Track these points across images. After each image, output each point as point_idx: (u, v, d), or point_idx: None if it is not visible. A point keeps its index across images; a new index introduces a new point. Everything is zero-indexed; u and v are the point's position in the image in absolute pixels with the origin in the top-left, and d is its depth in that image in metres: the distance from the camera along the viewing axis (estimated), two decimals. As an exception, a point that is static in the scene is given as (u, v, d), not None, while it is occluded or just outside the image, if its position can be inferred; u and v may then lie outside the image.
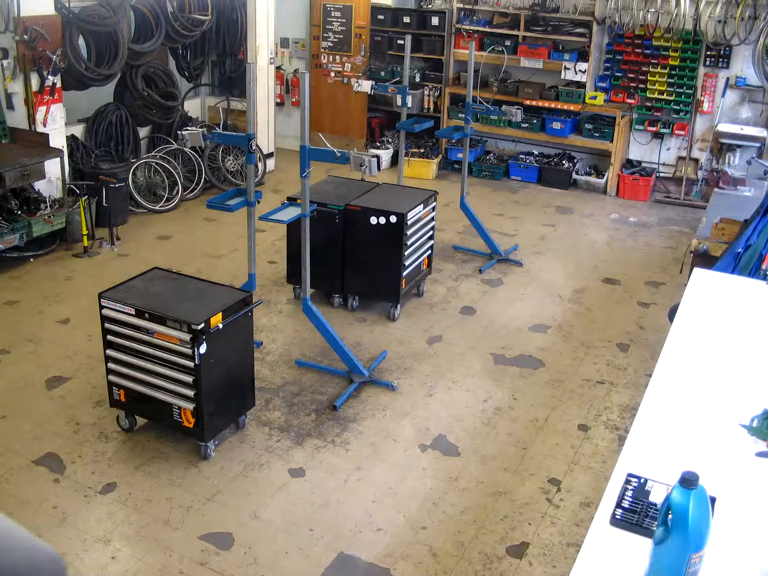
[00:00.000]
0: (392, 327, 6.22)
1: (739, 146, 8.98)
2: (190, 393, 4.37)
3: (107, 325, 4.53)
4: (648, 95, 9.50)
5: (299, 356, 5.69)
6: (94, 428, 4.79)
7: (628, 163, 9.93)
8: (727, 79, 9.10)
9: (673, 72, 9.31)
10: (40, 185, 7.25)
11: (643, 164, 9.90)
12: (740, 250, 4.51)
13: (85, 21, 7.40)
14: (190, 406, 4.39)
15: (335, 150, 4.81)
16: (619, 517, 2.14)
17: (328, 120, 10.58)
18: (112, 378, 4.64)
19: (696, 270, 3.87)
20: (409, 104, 7.68)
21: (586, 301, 6.83)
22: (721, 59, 9.10)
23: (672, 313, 3.54)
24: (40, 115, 7.19)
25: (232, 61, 9.99)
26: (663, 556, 1.86)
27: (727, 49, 9.01)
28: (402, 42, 8.16)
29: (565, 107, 9.70)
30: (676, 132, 9.49)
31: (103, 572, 3.74)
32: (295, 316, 6.29)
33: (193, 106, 9.90)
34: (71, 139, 7.95)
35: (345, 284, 6.38)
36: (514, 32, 9.84)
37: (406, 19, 10.23)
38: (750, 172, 7.56)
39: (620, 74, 9.59)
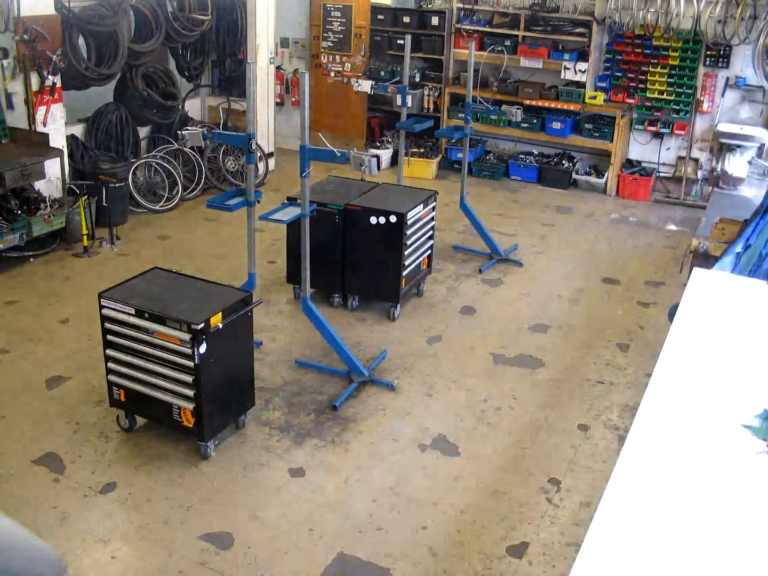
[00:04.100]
0: (392, 327, 6.22)
1: (739, 146, 8.97)
2: (190, 393, 4.37)
3: (107, 325, 4.53)
4: (648, 95, 9.50)
5: (299, 356, 5.68)
6: (94, 428, 4.79)
7: (628, 163, 9.93)
8: (727, 78, 9.10)
9: (673, 72, 9.31)
10: (40, 185, 7.24)
11: (643, 164, 9.89)
12: (740, 250, 4.51)
13: (85, 21, 7.40)
14: (190, 405, 4.39)
15: (335, 150, 4.81)
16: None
17: (328, 120, 10.58)
18: (112, 378, 4.64)
19: (696, 270, 3.86)
20: (409, 104, 7.68)
21: (586, 301, 6.82)
22: (721, 59, 9.10)
23: (672, 313, 3.53)
24: (40, 115, 7.19)
25: (232, 61, 9.99)
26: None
27: (727, 48, 9.01)
28: (402, 42, 8.16)
29: (565, 107, 9.71)
30: (676, 132, 9.49)
31: (103, 572, 3.74)
32: (295, 316, 6.29)
33: (193, 106, 9.89)
34: (71, 139, 7.94)
35: (345, 284, 6.37)
36: (514, 32, 9.84)
37: (406, 19, 10.23)
38: (750, 172, 7.55)
39: (620, 74, 9.59)
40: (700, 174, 9.52)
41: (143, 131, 8.99)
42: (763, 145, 8.76)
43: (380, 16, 10.33)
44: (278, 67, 10.59)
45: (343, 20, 10.33)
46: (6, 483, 4.28)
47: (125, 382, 4.59)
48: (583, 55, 9.59)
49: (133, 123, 8.60)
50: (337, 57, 10.53)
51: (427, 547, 3.95)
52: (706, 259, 5.21)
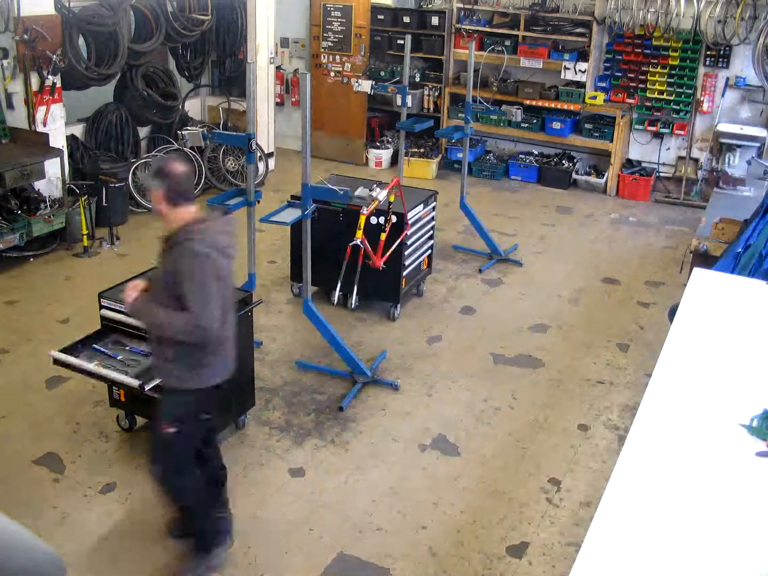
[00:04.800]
0: (392, 327, 6.22)
1: (739, 146, 8.96)
2: (190, 393, 4.37)
3: (107, 325, 4.53)
4: (648, 95, 9.49)
5: (299, 356, 5.68)
6: (94, 428, 4.79)
7: (628, 163, 9.92)
8: (727, 79, 9.10)
9: (673, 72, 9.31)
10: (40, 185, 7.24)
11: (643, 164, 9.89)
12: (740, 250, 4.51)
13: (85, 21, 7.39)
14: (190, 406, 4.38)
15: (337, 188, 4.85)
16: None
17: (328, 120, 10.57)
18: (112, 378, 4.63)
19: (696, 270, 3.86)
20: (409, 104, 7.68)
21: (586, 301, 6.82)
22: (721, 59, 9.09)
23: (672, 313, 3.53)
24: (40, 115, 7.19)
25: (232, 61, 9.99)
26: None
27: (727, 49, 9.01)
28: (402, 42, 8.15)
29: (565, 107, 9.70)
30: (676, 132, 9.49)
31: (103, 572, 3.74)
32: (295, 316, 6.29)
33: (193, 106, 9.89)
34: (71, 139, 7.94)
35: (345, 283, 6.35)
36: (514, 32, 9.83)
37: (406, 19, 10.23)
38: (750, 172, 7.54)
39: (620, 74, 9.59)
40: (700, 174, 9.51)
41: (143, 131, 8.98)
42: (763, 145, 8.76)
43: (380, 16, 10.32)
44: (278, 67, 10.59)
45: (343, 20, 10.32)
46: (6, 483, 4.29)
47: (125, 382, 4.58)
48: (583, 55, 9.58)
49: (133, 123, 8.60)
50: (337, 57, 10.52)
51: (427, 547, 3.95)
52: (707, 259, 5.21)
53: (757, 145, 8.79)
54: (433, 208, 6.66)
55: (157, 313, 3.38)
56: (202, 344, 3.37)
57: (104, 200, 7.62)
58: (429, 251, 6.74)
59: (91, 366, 4.19)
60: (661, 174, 9.82)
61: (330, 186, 4.97)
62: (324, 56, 10.57)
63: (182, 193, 3.48)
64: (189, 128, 6.33)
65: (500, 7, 10.03)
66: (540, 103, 9.83)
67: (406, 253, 6.19)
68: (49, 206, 7.20)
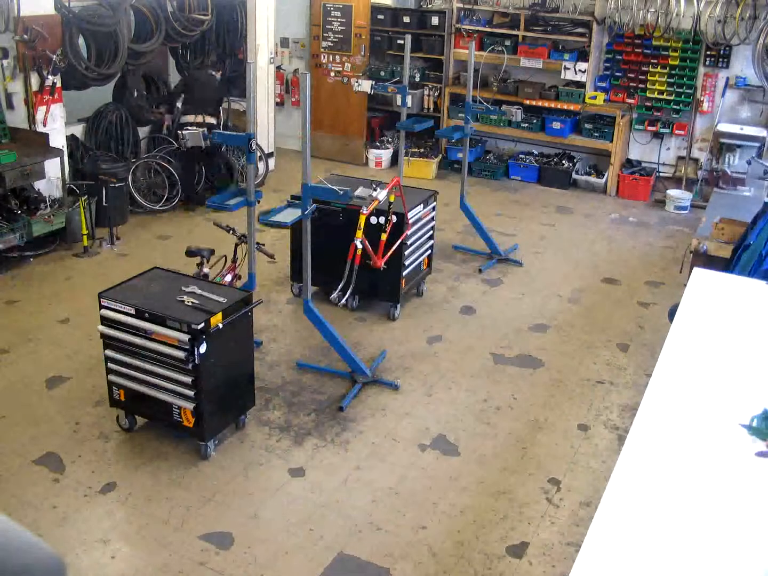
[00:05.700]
0: (392, 327, 6.22)
1: (739, 146, 8.95)
2: (190, 393, 4.37)
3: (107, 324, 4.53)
4: (648, 95, 9.50)
5: (299, 356, 5.68)
6: (94, 428, 4.79)
7: (628, 163, 9.92)
8: (727, 79, 9.10)
9: (673, 72, 9.31)
10: (40, 185, 7.24)
11: (643, 164, 9.89)
12: (761, 250, 4.48)
13: (85, 21, 7.39)
14: (190, 405, 4.39)
15: (337, 188, 4.84)
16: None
17: (328, 120, 10.58)
18: (112, 378, 4.64)
19: (696, 270, 3.86)
20: (409, 104, 7.68)
21: (586, 301, 6.82)
22: (721, 59, 9.10)
23: (672, 313, 3.53)
24: (40, 115, 7.19)
25: (232, 61, 9.99)
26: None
27: (727, 49, 9.01)
28: (402, 42, 8.15)
29: (565, 107, 9.70)
30: (676, 132, 9.49)
31: (103, 572, 3.74)
32: (295, 315, 6.29)
33: (193, 106, 9.88)
34: (71, 139, 7.94)
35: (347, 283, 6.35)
36: (514, 32, 9.83)
37: (406, 19, 10.23)
38: (750, 172, 7.55)
39: (620, 74, 9.59)
40: (700, 174, 9.51)
41: (143, 131, 8.98)
42: (763, 145, 8.76)
43: (380, 16, 10.32)
44: (278, 67, 10.59)
45: (343, 20, 10.32)
46: (6, 483, 4.28)
47: (125, 382, 4.59)
48: (583, 55, 9.59)
49: (133, 123, 8.60)
50: (337, 57, 10.52)
51: (427, 547, 3.95)
52: (706, 259, 5.21)
53: (757, 145, 8.78)
54: (433, 208, 6.66)
55: None
56: None
57: (104, 200, 7.62)
58: (429, 251, 6.74)
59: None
60: (661, 174, 9.83)
61: (330, 186, 4.97)
62: (324, 56, 10.58)
63: None
64: (189, 128, 6.33)
65: (500, 7, 10.03)
66: (540, 103, 9.83)
67: (407, 253, 6.19)
68: (49, 206, 7.20)
